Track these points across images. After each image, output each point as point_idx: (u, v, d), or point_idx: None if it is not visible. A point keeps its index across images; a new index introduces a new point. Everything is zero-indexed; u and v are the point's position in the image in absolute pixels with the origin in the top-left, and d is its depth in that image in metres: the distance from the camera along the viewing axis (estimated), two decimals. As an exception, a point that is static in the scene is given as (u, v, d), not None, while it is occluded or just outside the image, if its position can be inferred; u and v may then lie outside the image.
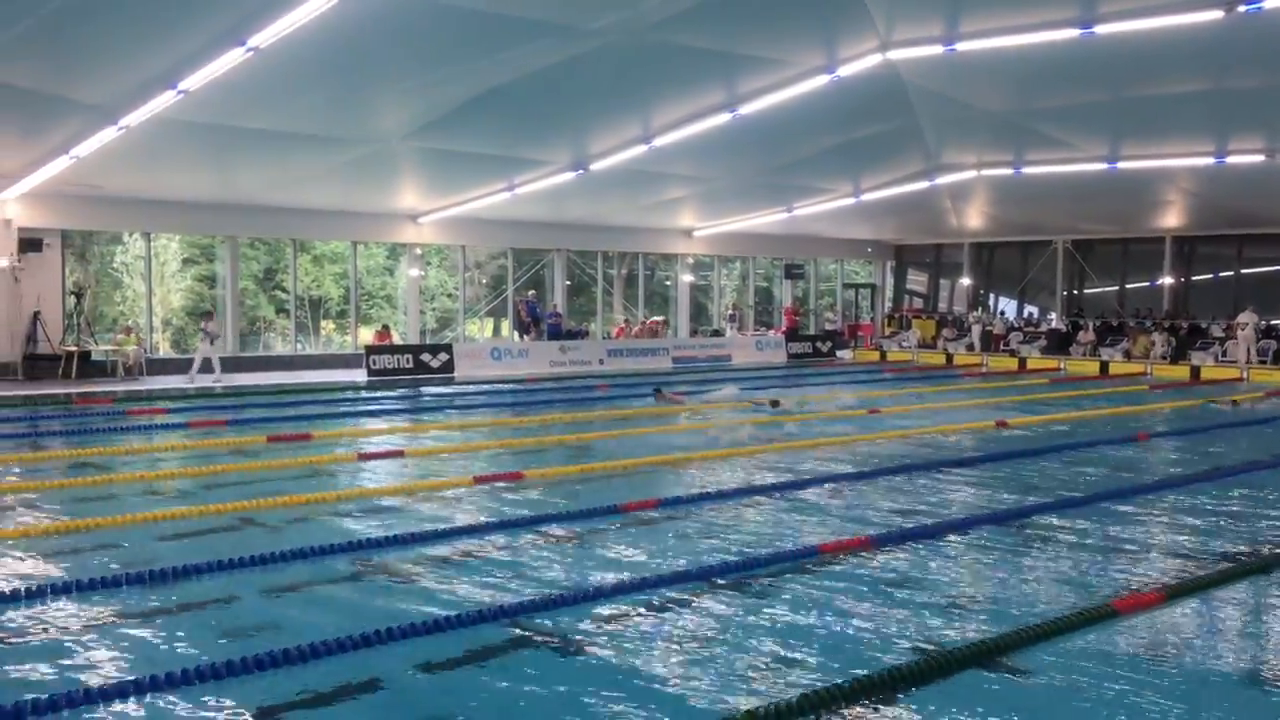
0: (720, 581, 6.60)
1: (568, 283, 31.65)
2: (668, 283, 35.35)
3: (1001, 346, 30.62)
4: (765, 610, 6.05)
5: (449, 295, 35.15)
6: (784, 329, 33.36)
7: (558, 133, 20.90)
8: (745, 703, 4.64)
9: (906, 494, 9.66)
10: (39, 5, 12.59)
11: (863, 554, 7.34)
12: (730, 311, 33.85)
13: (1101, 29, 15.18)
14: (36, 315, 22.06)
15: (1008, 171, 24.92)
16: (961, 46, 16.55)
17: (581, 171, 22.83)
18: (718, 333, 33.12)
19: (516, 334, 29.78)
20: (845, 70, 17.73)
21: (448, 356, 24.73)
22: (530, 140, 21.06)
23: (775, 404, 16.90)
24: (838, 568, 7.00)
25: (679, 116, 20.09)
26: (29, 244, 21.77)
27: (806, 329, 34.65)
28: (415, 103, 18.10)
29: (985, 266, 35.69)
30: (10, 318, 21.78)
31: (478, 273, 33.98)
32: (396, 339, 27.08)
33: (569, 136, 21.25)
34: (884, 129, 22.00)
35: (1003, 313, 34.22)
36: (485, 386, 21.40)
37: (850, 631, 5.70)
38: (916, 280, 38.31)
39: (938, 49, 16.84)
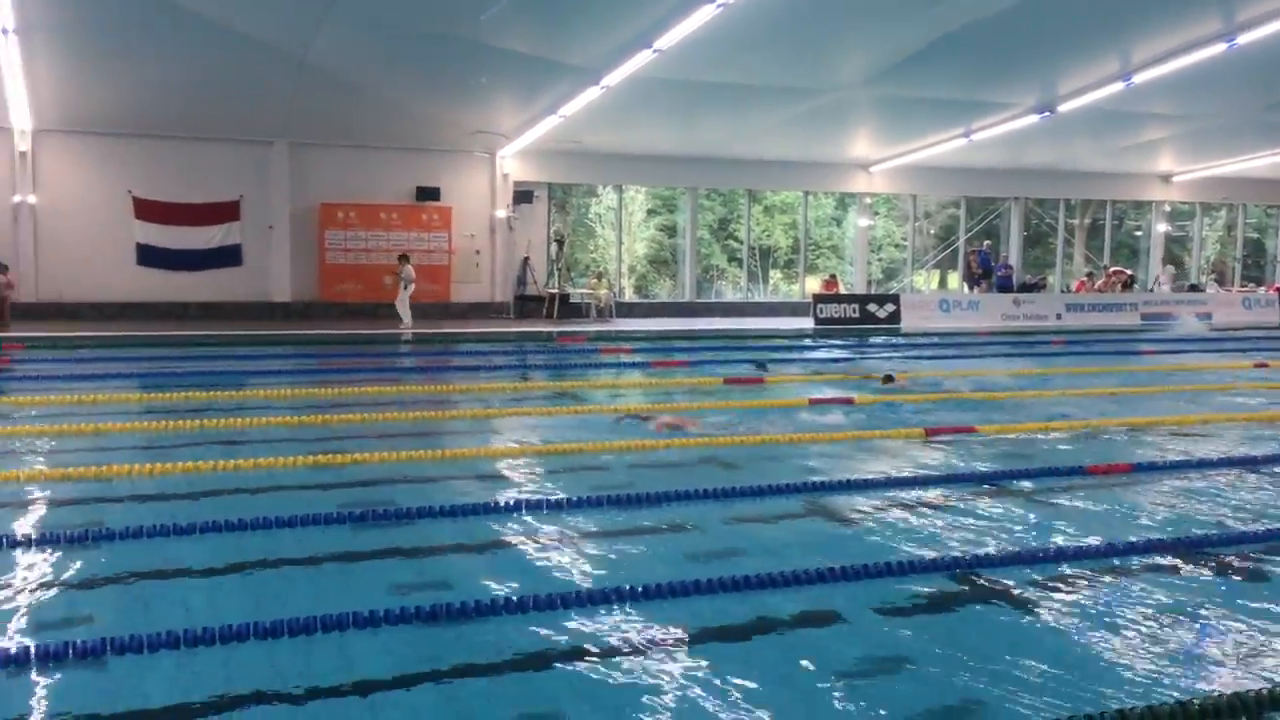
0: (1195, 555, 6.04)
1: (1024, 233, 30.05)
2: (1138, 233, 32.49)
3: None
4: (1247, 591, 5.45)
5: (896, 245, 34.71)
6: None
7: (1023, 74, 19.83)
8: (1206, 687, 4.24)
9: None
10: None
11: (1381, 543, 6.37)
12: (1164, 274, 29.69)
13: None
14: (526, 261, 24.73)
15: None
16: None
17: (1046, 114, 21.53)
18: (1195, 288, 29.97)
19: (965, 286, 28.83)
20: (1381, -17, 15.21)
21: (894, 307, 24.51)
22: (992, 83, 20.18)
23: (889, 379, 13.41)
24: (1347, 555, 6.14)
25: (1163, 50, 18.31)
26: (521, 196, 24.40)
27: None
28: (875, 49, 17.97)
29: None
30: (505, 263, 24.56)
31: (927, 223, 33.22)
32: (842, 289, 27.24)
33: (1035, 77, 20.10)
34: None
35: None
36: (933, 338, 20.97)
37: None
38: None
39: None
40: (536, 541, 6.17)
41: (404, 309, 21.76)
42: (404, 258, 22.34)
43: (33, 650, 4.21)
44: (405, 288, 21.82)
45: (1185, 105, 22.39)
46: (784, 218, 34.19)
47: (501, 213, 24.35)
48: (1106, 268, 29.67)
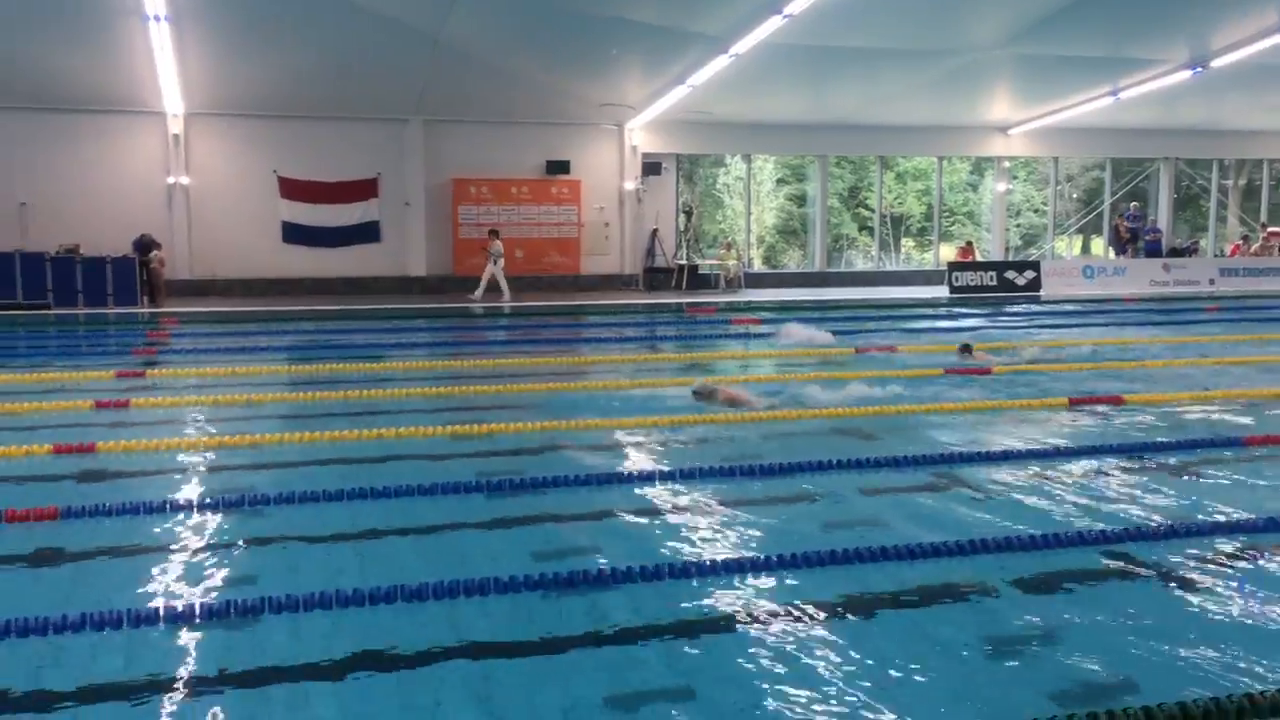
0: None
1: (1174, 195, 28.69)
2: (1299, 193, 30.69)
3: None
4: None
5: (1035, 211, 33.63)
6: None
7: (1174, 28, 18.86)
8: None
9: None
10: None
11: None
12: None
13: None
14: (655, 233, 24.76)
15: None
16: None
17: (1198, 70, 20.43)
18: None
19: (1111, 251, 27.72)
20: None
21: (1034, 274, 23.75)
22: (1140, 38, 19.25)
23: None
24: None
25: (1329, -4, 17.16)
26: (650, 168, 24.40)
27: None
28: (1015, 7, 17.34)
29: None
30: (634, 235, 24.65)
31: (1068, 186, 32.02)
32: (979, 256, 26.50)
33: (1187, 30, 19.09)
34: None
35: None
36: (1076, 305, 20.24)
37: None
38: None
39: None
40: (670, 510, 6.21)
41: (485, 282, 21.92)
42: (494, 233, 22.65)
43: (198, 608, 4.44)
44: (494, 262, 22.08)
45: (1353, 54, 21.00)
46: (917, 184, 33.39)
47: (630, 185, 24.43)
48: (1265, 224, 28.13)
